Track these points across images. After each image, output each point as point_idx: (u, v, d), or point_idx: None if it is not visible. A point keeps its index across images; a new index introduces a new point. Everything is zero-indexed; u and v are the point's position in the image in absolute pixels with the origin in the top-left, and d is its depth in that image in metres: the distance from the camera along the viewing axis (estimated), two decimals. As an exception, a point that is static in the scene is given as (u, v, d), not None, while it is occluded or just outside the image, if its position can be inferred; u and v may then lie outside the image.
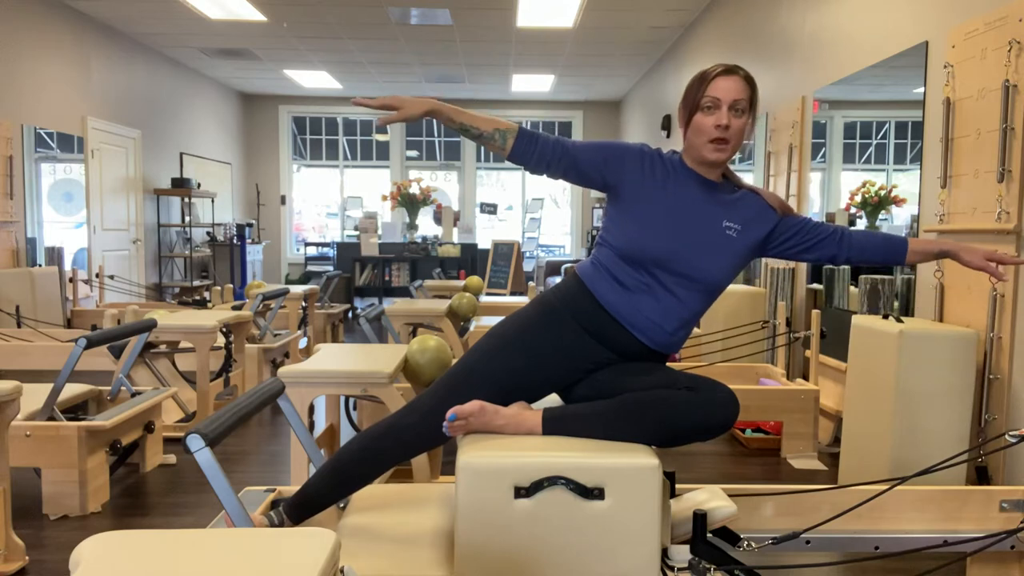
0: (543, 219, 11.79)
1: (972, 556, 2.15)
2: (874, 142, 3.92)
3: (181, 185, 8.76)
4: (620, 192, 1.85)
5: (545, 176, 1.85)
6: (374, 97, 1.75)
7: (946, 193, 3.14)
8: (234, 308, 5.67)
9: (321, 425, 4.36)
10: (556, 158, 1.82)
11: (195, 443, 1.50)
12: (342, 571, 1.22)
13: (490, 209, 11.80)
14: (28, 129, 6.39)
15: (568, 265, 10.30)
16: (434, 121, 11.86)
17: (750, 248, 1.87)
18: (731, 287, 4.68)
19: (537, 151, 1.81)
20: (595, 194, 11.18)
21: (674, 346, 1.87)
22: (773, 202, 1.91)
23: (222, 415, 1.62)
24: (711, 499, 1.86)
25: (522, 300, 6.28)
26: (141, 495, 3.19)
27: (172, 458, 3.59)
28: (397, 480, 2.88)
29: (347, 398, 3.97)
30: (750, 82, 1.83)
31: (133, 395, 3.48)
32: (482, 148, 11.80)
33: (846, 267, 4.07)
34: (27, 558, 2.51)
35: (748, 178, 5.52)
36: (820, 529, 2.03)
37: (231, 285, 6.99)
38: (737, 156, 5.88)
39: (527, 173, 11.99)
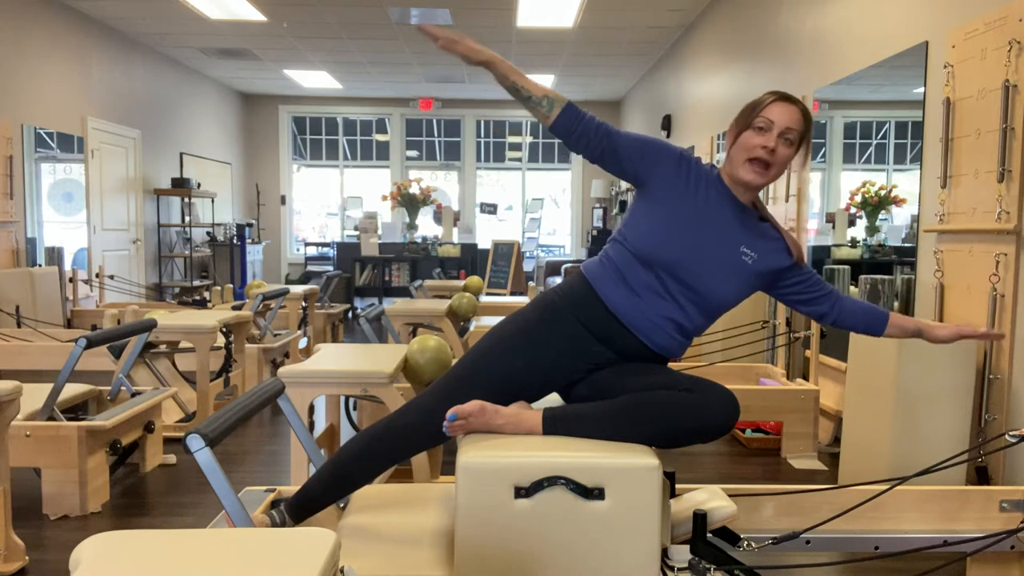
0: (543, 219, 11.79)
1: (972, 556, 2.15)
2: (874, 142, 3.92)
3: (181, 185, 8.76)
4: (649, 190, 1.84)
5: (582, 155, 1.84)
6: (439, 28, 1.76)
7: (946, 193, 3.14)
8: (234, 308, 5.67)
9: (321, 425, 4.36)
10: (597, 140, 1.81)
11: (195, 443, 1.50)
12: (342, 571, 1.22)
13: (490, 209, 11.80)
14: (28, 129, 6.39)
15: (569, 265, 10.30)
16: (434, 120, 11.88)
17: (759, 278, 1.87)
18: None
19: (580, 128, 1.80)
20: (595, 194, 11.18)
21: (675, 350, 1.87)
22: (793, 246, 1.91)
23: (222, 415, 1.62)
24: (711, 499, 1.86)
25: (522, 300, 6.28)
26: (141, 495, 3.19)
27: (172, 458, 3.59)
28: (397, 480, 2.88)
29: (347, 398, 3.97)
30: (806, 117, 1.83)
31: (133, 395, 3.48)
32: (482, 148, 11.83)
33: (846, 267, 4.07)
34: (27, 558, 2.51)
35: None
36: (820, 529, 2.03)
37: (231, 285, 6.99)
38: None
39: (527, 174, 11.96)
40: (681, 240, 1.79)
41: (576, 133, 1.81)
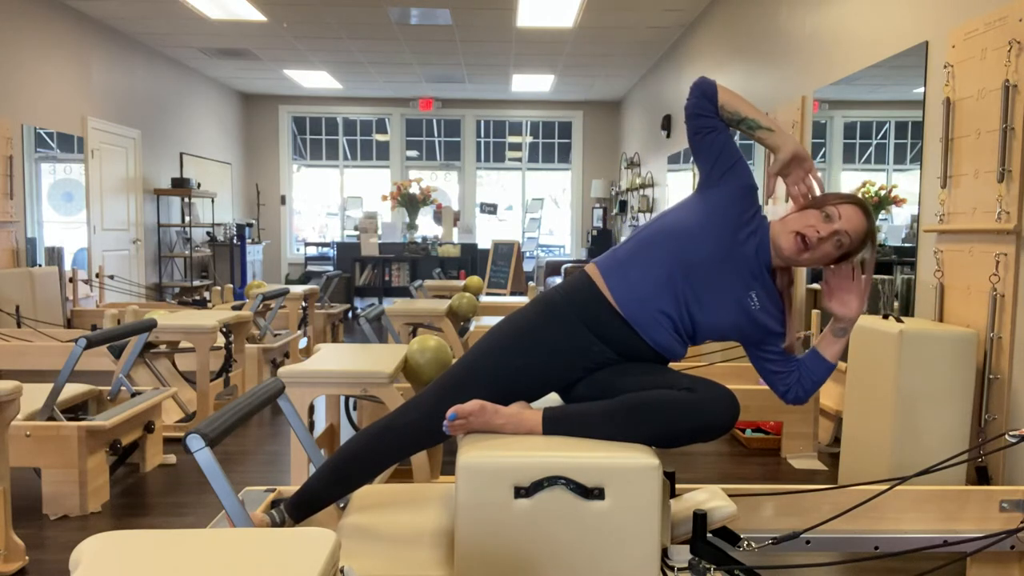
0: (543, 219, 11.79)
1: (972, 556, 2.15)
2: (874, 142, 3.92)
3: (181, 185, 8.77)
4: (712, 192, 1.86)
5: (690, 122, 1.88)
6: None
7: (946, 193, 3.14)
8: (234, 308, 5.67)
9: (321, 425, 4.36)
10: (716, 121, 1.86)
11: (195, 443, 1.50)
12: (342, 571, 1.22)
13: (490, 209, 11.80)
14: (28, 129, 6.39)
15: (569, 265, 10.30)
16: (434, 120, 11.89)
17: (751, 325, 1.86)
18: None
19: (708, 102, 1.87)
20: (595, 194, 11.18)
21: (676, 350, 1.87)
22: (789, 331, 1.91)
23: (222, 415, 1.62)
24: (711, 499, 1.86)
25: (522, 300, 6.28)
26: (141, 495, 3.19)
27: (172, 458, 3.59)
28: (397, 480, 2.88)
29: (347, 398, 3.97)
30: (868, 237, 1.83)
31: (133, 395, 3.48)
32: (482, 148, 11.85)
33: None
34: (27, 558, 2.51)
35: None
36: (820, 529, 2.03)
37: (231, 285, 6.99)
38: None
39: (527, 174, 11.95)
40: (712, 247, 1.80)
41: (711, 104, 1.86)
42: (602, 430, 1.72)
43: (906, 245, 3.52)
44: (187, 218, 9.10)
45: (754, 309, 1.84)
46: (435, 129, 11.86)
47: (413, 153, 11.86)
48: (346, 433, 4.00)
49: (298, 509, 1.87)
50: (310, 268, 10.99)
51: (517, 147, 11.95)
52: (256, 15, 7.20)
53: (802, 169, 1.85)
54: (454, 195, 11.87)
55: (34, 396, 3.11)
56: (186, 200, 9.07)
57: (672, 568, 1.70)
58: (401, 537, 1.78)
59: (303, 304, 6.38)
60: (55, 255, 6.73)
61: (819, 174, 1.87)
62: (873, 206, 3.87)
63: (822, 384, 1.91)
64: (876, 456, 2.92)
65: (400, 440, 1.84)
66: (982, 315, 2.88)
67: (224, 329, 4.43)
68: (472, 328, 4.79)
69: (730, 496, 1.99)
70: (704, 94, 1.86)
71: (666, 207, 7.97)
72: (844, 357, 3.63)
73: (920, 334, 2.79)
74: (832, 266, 1.88)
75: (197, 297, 8.75)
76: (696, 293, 1.81)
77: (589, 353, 1.83)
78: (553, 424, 1.75)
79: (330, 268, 10.76)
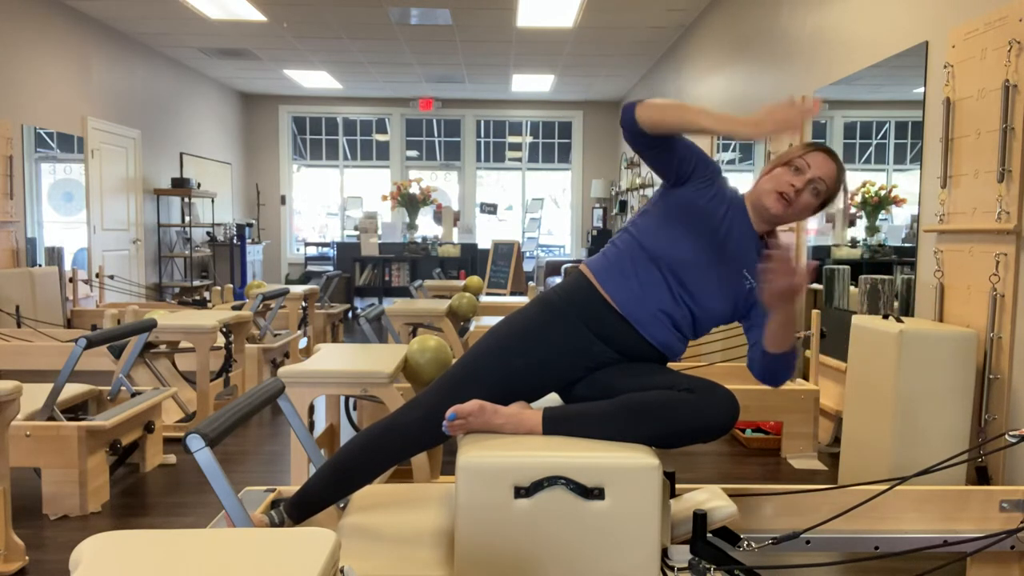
0: (543, 219, 11.79)
1: (972, 556, 2.15)
2: (874, 142, 3.92)
3: (181, 185, 8.76)
4: (680, 191, 1.88)
5: (634, 139, 1.84)
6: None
7: (946, 193, 3.14)
8: (234, 308, 5.67)
9: (321, 425, 4.36)
10: (648, 144, 1.84)
11: (195, 443, 1.50)
12: (342, 571, 1.21)
13: (490, 209, 11.80)
14: (28, 129, 6.39)
15: (569, 265, 10.30)
16: (434, 120, 11.86)
17: (748, 306, 1.87)
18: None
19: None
20: (595, 194, 11.18)
21: (675, 347, 1.88)
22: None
23: (222, 415, 1.62)
24: (711, 499, 1.86)
25: (522, 300, 6.28)
26: (141, 495, 3.19)
27: (172, 458, 3.59)
28: (397, 480, 2.88)
29: (347, 398, 3.97)
30: (840, 178, 1.87)
31: (133, 395, 3.48)
32: (482, 148, 11.84)
33: (846, 267, 4.07)
34: (27, 558, 2.51)
35: (747, 178, 5.52)
36: (820, 529, 2.03)
37: (231, 285, 6.99)
38: (737, 155, 5.88)
39: (527, 174, 11.93)
40: (694, 243, 1.82)
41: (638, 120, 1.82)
42: (602, 430, 1.72)
43: (906, 245, 3.52)
44: (187, 218, 9.10)
45: (749, 288, 1.87)
46: (435, 129, 11.86)
47: (413, 153, 11.86)
48: (346, 433, 4.00)
49: (298, 509, 1.87)
50: (310, 268, 10.98)
51: (517, 147, 11.95)
52: (256, 15, 7.20)
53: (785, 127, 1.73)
54: (454, 195, 11.86)
55: (34, 396, 3.11)
56: (186, 200, 9.06)
57: (672, 568, 1.70)
58: (401, 537, 1.78)
59: (303, 304, 6.38)
60: (55, 255, 6.73)
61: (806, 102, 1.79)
62: (873, 206, 3.87)
63: (790, 368, 1.86)
64: (876, 456, 2.92)
65: (400, 440, 1.84)
66: (982, 315, 2.88)
67: (224, 329, 4.43)
68: (472, 328, 4.79)
69: (730, 496, 1.99)
70: (632, 133, 1.83)
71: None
72: (844, 357, 3.63)
73: (920, 334, 2.79)
74: (773, 250, 1.76)
75: (197, 297, 8.75)
76: (690, 289, 1.83)
77: (589, 353, 1.83)
78: (553, 424, 1.75)
79: (330, 268, 10.76)
